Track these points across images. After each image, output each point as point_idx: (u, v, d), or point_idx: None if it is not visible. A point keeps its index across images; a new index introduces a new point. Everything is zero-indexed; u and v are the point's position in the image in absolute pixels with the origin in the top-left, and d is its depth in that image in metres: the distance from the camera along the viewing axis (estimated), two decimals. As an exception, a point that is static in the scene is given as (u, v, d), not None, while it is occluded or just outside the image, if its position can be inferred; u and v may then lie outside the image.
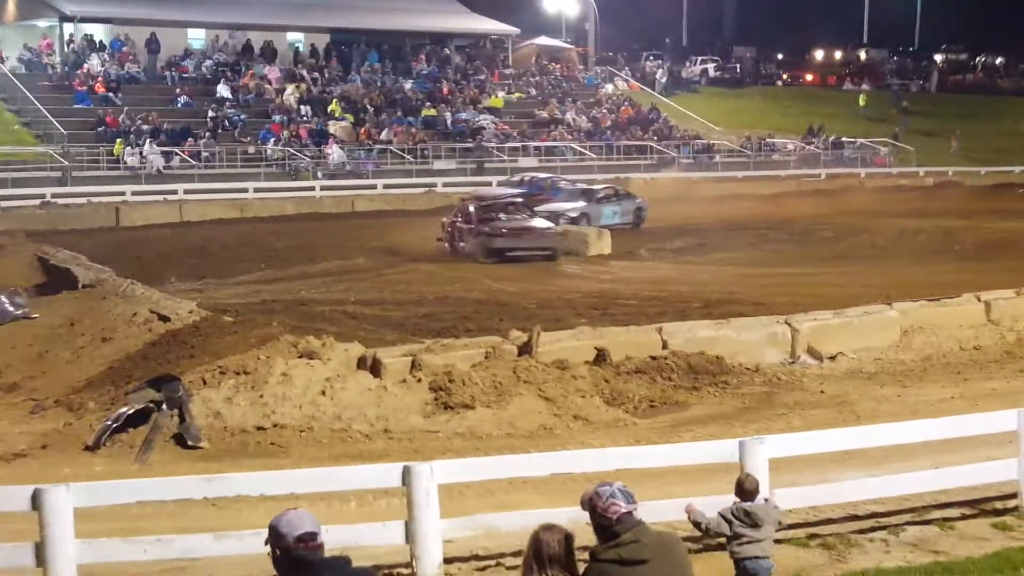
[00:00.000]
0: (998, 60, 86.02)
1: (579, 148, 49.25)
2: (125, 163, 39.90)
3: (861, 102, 65.16)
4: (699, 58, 72.53)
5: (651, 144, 50.93)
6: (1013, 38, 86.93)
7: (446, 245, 27.51)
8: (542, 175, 39.29)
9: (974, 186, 48.65)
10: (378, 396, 12.25)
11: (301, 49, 53.99)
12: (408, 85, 52.04)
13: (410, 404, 12.20)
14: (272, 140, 43.89)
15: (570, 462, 8.92)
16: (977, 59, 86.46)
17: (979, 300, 16.71)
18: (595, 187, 35.83)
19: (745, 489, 7.18)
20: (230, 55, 50.30)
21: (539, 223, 27.70)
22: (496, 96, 53.22)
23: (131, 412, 11.67)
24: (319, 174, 42.69)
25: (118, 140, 40.51)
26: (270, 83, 48.59)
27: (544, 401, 12.41)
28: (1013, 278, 19.99)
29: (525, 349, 13.34)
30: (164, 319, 15.63)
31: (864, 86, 74.32)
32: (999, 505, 9.33)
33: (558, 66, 61.07)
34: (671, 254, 28.50)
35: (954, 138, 55.32)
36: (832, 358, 14.91)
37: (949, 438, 9.45)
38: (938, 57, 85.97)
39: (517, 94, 55.06)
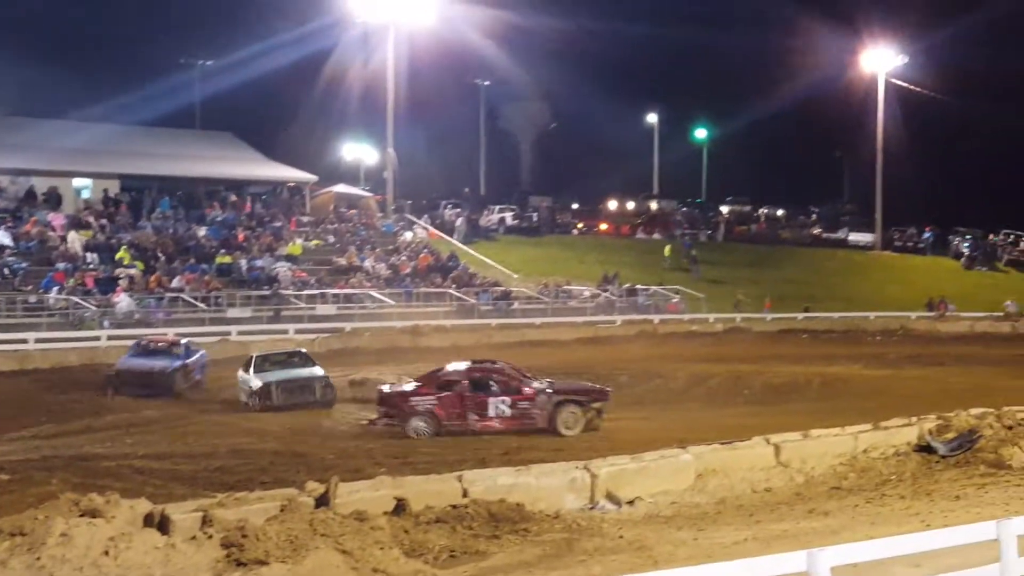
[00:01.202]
0: (779, 212, 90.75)
1: (378, 295, 49.23)
2: None
3: (666, 252, 67.38)
4: (497, 207, 74.04)
5: (450, 291, 51.35)
6: (792, 192, 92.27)
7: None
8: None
9: (761, 332, 50.61)
10: (166, 555, 11.64)
11: (89, 195, 52.78)
12: (202, 232, 51.31)
13: (199, 563, 11.62)
14: (55, 288, 42.36)
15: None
16: (760, 211, 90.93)
17: (769, 443, 17.15)
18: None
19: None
20: (11, 201, 48.76)
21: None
22: (294, 243, 52.97)
23: None
24: (105, 323, 41.30)
25: None
26: (54, 230, 47.18)
27: (342, 555, 12.01)
28: (799, 420, 20.65)
29: (322, 501, 12.98)
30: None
31: (656, 235, 77.10)
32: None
33: (357, 213, 61.39)
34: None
35: (768, 303, 57.26)
36: (630, 503, 14.98)
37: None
38: (724, 208, 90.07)
39: (315, 241, 54.92)
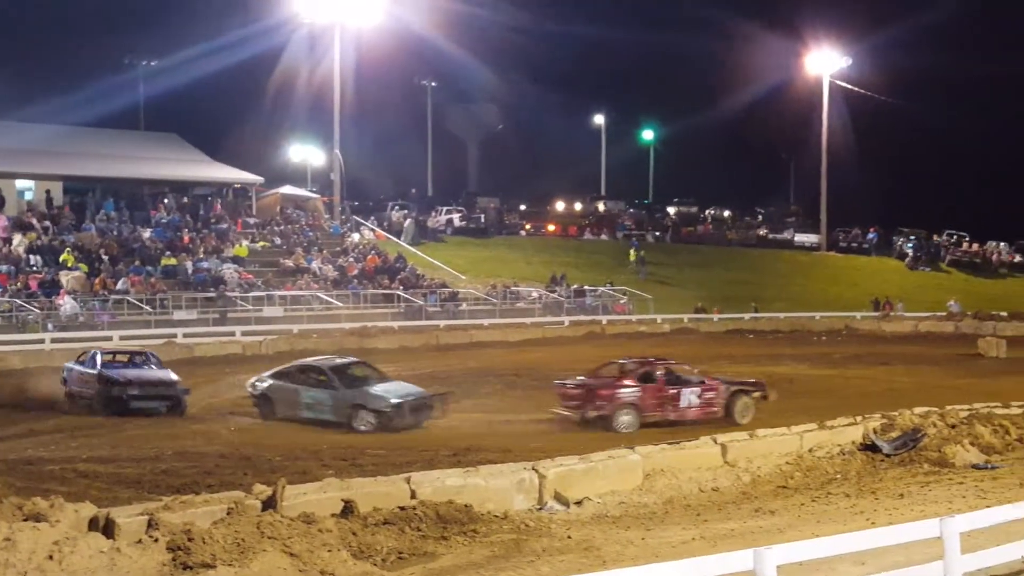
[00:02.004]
0: (725, 213, 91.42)
1: (325, 297, 49.03)
2: None
3: (631, 256, 67.60)
4: (444, 208, 74.01)
5: (398, 292, 51.25)
6: (738, 193, 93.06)
7: None
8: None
9: (708, 332, 50.94)
10: (111, 559, 11.51)
11: (32, 197, 52.10)
12: (147, 234, 50.85)
13: (145, 566, 11.51)
14: (-1, 291, 41.87)
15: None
16: (707, 212, 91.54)
17: (716, 443, 17.28)
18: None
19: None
20: (-49, 204, 48.17)
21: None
22: (240, 245, 52.60)
23: None
24: (49, 326, 40.79)
25: None
26: (-4, 232, 46.63)
27: (289, 557, 11.94)
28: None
29: (269, 503, 12.89)
30: None
31: (603, 236, 77.40)
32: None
33: (303, 215, 61.11)
34: (419, 402, 28.37)
35: (716, 310, 57.48)
36: (579, 503, 15.02)
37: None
38: (671, 209, 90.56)
39: (261, 243, 54.60)
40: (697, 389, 23.83)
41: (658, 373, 23.90)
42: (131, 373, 26.39)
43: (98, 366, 26.38)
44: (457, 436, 21.77)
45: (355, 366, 25.94)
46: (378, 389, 24.26)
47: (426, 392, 24.93)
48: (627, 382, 23.59)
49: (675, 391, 23.64)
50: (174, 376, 26.75)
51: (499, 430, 23.06)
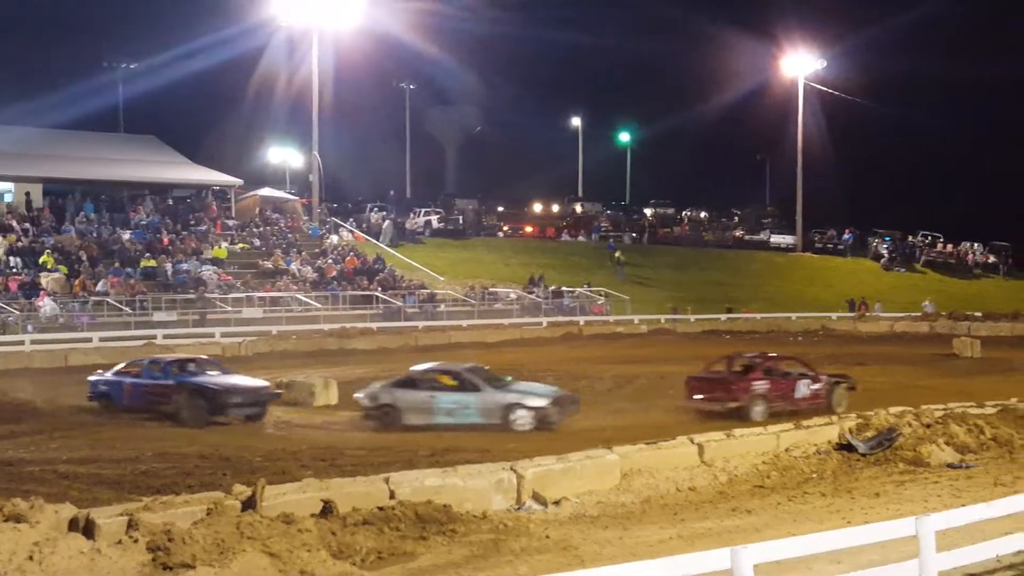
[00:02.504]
0: (702, 214, 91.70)
1: (304, 298, 48.99)
2: None
3: (618, 255, 67.86)
4: (423, 210, 74.00)
5: (377, 294, 51.25)
6: (714, 195, 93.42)
7: None
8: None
9: (684, 333, 51.11)
10: (91, 560, 11.54)
11: (11, 199, 51.88)
12: (126, 235, 50.72)
13: (125, 567, 11.53)
14: (-22, 293, 41.73)
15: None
16: (683, 213, 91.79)
17: (693, 442, 17.38)
18: None
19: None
20: (-68, 206, 47.94)
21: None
22: (219, 246, 52.50)
23: None
24: (29, 327, 40.66)
25: None
26: (-24, 234, 46.44)
27: (269, 557, 11.99)
28: (722, 420, 20.89)
29: (249, 504, 12.93)
30: None
31: (580, 238, 77.56)
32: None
33: (282, 216, 61.03)
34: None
35: (690, 311, 57.62)
36: (557, 503, 15.10)
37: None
38: (648, 211, 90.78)
39: (240, 244, 54.52)
40: (808, 381, 25.62)
41: (780, 367, 26.08)
42: (223, 381, 25.40)
43: (175, 376, 25.28)
44: (435, 437, 21.81)
45: (481, 369, 25.56)
46: (524, 388, 24.77)
47: (560, 390, 25.26)
48: (757, 375, 25.25)
49: (792, 383, 25.45)
50: (263, 382, 26.37)
51: (477, 430, 23.10)
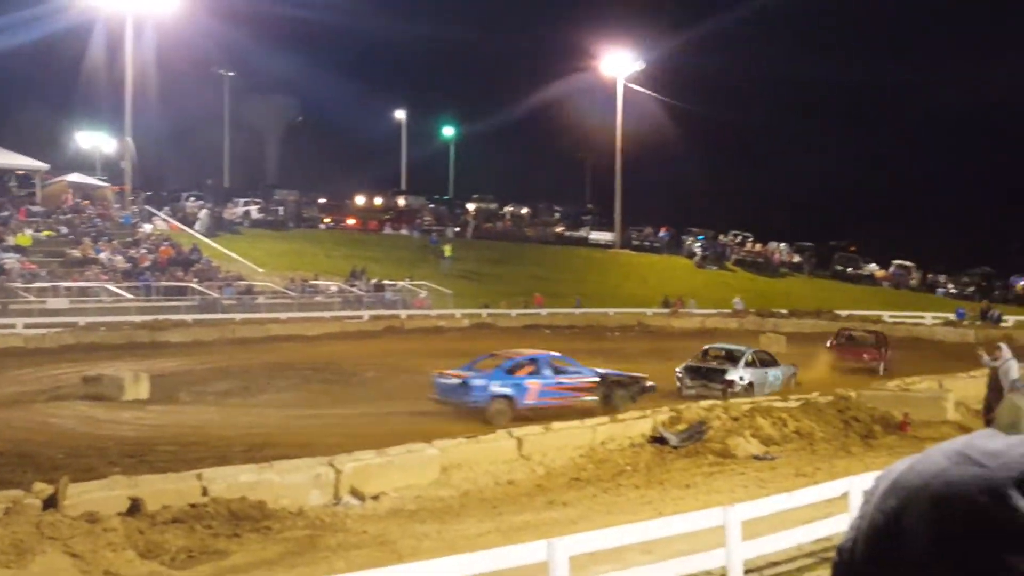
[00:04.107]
0: (523, 210, 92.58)
1: (115, 289, 47.45)
2: None
3: (447, 252, 67.79)
4: (242, 200, 72.63)
5: (193, 285, 50.03)
6: (536, 191, 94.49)
7: None
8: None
9: (506, 327, 51.43)
10: None
11: None
12: (-76, 220, 48.32)
13: (-85, 570, 10.95)
14: None
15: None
16: (506, 208, 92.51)
17: (512, 436, 17.51)
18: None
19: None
20: None
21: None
22: (23, 233, 50.43)
23: None
24: None
25: None
26: None
27: (71, 558, 11.55)
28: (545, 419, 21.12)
29: (51, 502, 12.42)
30: None
31: (403, 231, 77.41)
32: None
33: (92, 203, 59.02)
34: (213, 397, 27.79)
35: (504, 304, 57.75)
36: (375, 497, 14.99)
37: (484, 572, 9.66)
38: (471, 206, 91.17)
39: (46, 232, 52.46)
40: (871, 350, 36.37)
41: (869, 337, 38.24)
42: (613, 373, 26.28)
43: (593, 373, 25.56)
44: (253, 431, 21.41)
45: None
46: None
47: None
48: (875, 344, 36.95)
49: (859, 350, 36.54)
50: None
51: (296, 425, 22.79)
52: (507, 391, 23.61)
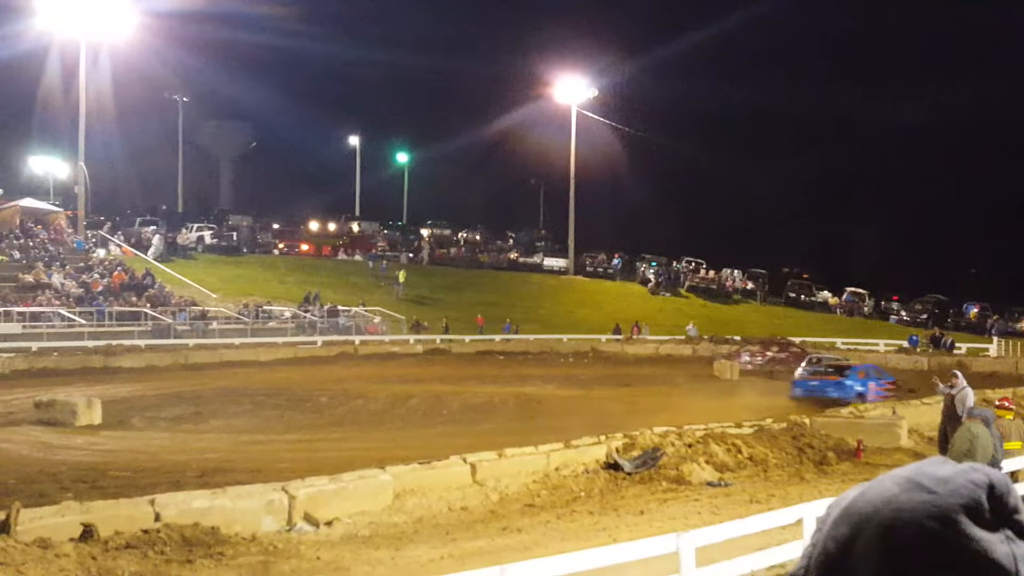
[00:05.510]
0: (478, 236, 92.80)
1: (68, 314, 47.06)
2: None
3: (401, 278, 67.77)
4: (195, 225, 72.29)
5: (146, 310, 49.70)
6: (490, 217, 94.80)
7: None
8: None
9: (459, 353, 51.49)
10: None
11: None
12: None
13: None
14: None
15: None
16: (460, 234, 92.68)
17: (465, 462, 17.51)
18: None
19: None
20: None
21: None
22: (-26, 258, 49.98)
23: None
24: None
25: None
26: None
27: (23, 585, 11.49)
28: (494, 440, 21.19)
29: (3, 528, 12.35)
30: None
31: (357, 256, 77.31)
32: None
33: (45, 228, 58.54)
34: (166, 423, 27.62)
35: (427, 325, 58.12)
36: (329, 523, 14.97)
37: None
38: (425, 232, 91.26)
39: (-1, 257, 52.01)
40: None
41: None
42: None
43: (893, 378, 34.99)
44: (206, 457, 21.31)
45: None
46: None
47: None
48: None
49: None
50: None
51: (249, 450, 22.70)
52: (861, 389, 32.25)
